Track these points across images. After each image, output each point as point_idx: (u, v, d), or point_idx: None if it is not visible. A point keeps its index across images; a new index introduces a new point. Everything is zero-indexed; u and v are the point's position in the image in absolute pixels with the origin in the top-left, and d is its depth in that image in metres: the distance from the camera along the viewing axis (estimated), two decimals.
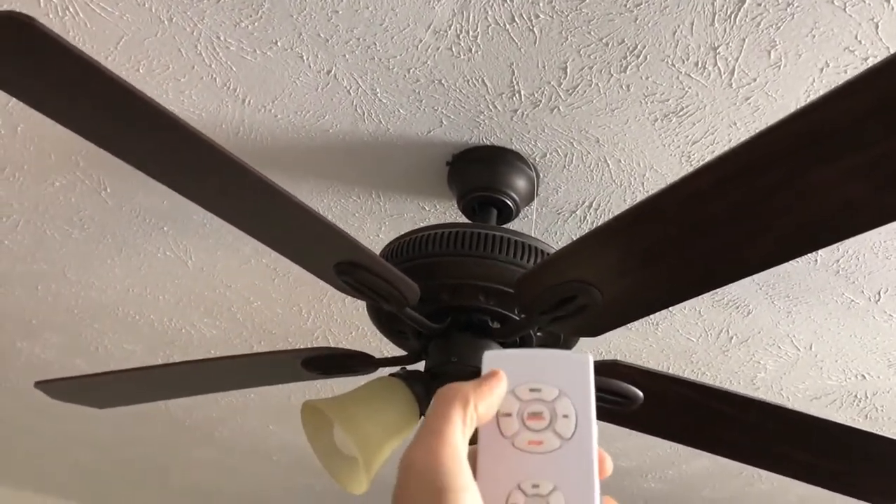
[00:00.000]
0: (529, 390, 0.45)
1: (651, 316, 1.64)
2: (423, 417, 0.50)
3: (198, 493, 2.77)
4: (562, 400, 0.45)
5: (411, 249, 1.18)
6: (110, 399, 1.41)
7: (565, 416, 0.44)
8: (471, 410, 0.44)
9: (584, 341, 1.63)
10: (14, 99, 1.30)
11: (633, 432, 1.32)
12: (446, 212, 1.44)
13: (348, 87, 1.22)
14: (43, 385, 1.36)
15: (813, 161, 0.82)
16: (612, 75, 1.15)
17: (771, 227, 0.88)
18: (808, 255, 1.43)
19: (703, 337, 1.68)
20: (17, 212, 1.56)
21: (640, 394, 1.22)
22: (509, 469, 0.43)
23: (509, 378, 0.46)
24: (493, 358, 0.47)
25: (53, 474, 2.73)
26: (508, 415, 0.45)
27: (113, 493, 2.84)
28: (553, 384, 0.45)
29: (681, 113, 1.21)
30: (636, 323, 1.67)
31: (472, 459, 0.44)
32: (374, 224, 1.49)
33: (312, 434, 1.09)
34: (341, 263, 1.05)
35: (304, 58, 1.18)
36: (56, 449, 2.53)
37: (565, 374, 0.46)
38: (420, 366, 1.24)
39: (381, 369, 1.25)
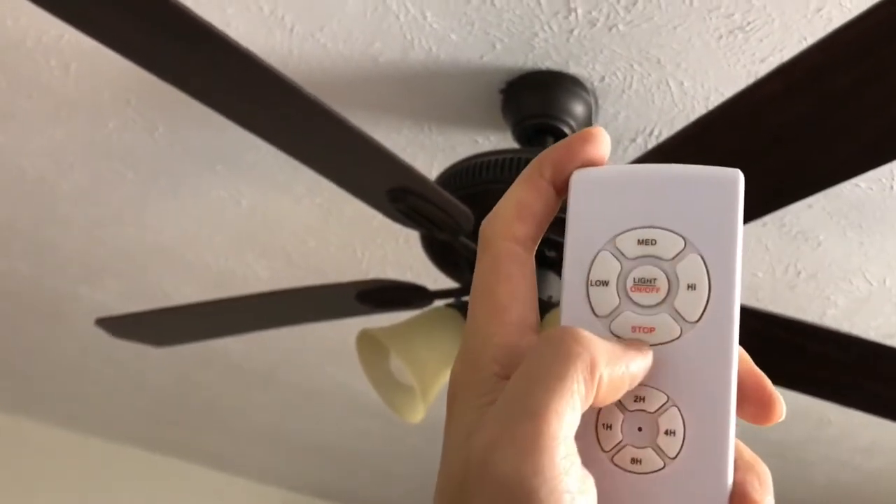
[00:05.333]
0: (638, 242, 0.29)
1: None
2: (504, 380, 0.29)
3: (258, 437, 2.82)
4: (687, 257, 0.29)
5: (465, 177, 1.15)
6: (168, 336, 1.42)
7: (691, 287, 0.29)
8: (596, 381, 0.27)
9: None
10: (66, 36, 1.30)
11: None
12: (500, 143, 1.39)
13: (397, 13, 1.18)
14: (103, 322, 1.38)
15: (893, 59, 0.76)
16: None
17: (849, 133, 0.82)
18: (884, 181, 1.36)
19: (770, 272, 1.62)
20: (73, 154, 1.57)
21: None
22: None
23: (611, 218, 0.29)
24: (586, 182, 0.30)
25: (116, 420, 2.80)
26: (604, 283, 0.29)
27: (174, 438, 2.90)
28: (676, 229, 0.29)
29: (747, 28, 1.14)
30: None
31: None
32: (427, 158, 1.45)
33: (368, 363, 1.08)
34: (394, 190, 1.03)
35: None
36: (118, 395, 2.59)
37: (696, 209, 0.29)
38: None
39: (435, 302, 1.23)
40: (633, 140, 1.36)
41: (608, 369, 0.27)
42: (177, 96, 1.35)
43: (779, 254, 1.57)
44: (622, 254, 0.29)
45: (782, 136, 0.85)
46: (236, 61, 0.87)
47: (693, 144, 0.90)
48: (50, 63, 1.35)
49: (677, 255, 0.29)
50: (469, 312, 0.31)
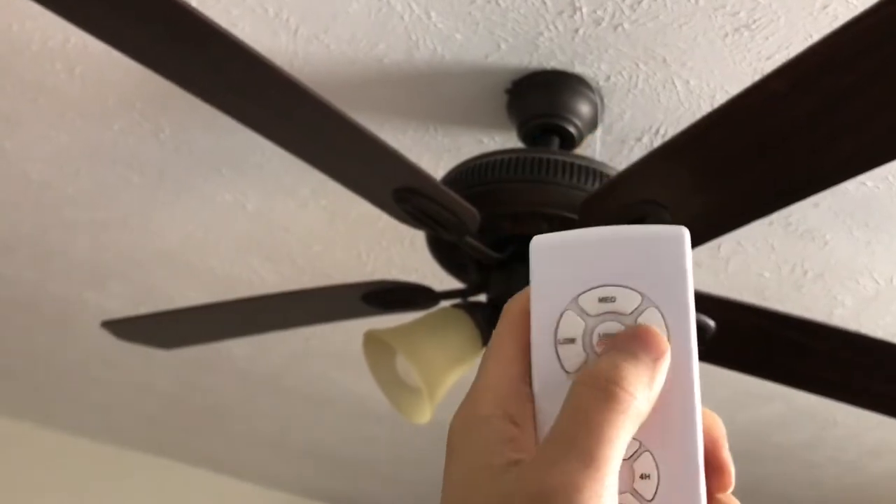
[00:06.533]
0: (599, 300, 0.32)
1: (721, 251, 1.59)
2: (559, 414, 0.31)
3: (264, 441, 2.81)
4: (646, 311, 0.31)
5: (471, 177, 1.15)
6: (174, 339, 1.42)
7: None
8: (642, 418, 0.30)
9: None
10: (72, 40, 1.30)
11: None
12: (506, 143, 1.39)
13: (402, 13, 1.19)
14: (109, 325, 1.38)
15: None
16: None
17: (854, 130, 0.82)
18: (890, 179, 1.35)
19: (777, 272, 1.61)
20: (78, 158, 1.57)
21: (712, 323, 1.17)
22: None
23: (570, 280, 0.32)
24: (545, 247, 0.33)
25: (121, 424, 2.80)
26: (571, 340, 0.32)
27: (180, 442, 2.90)
28: (633, 286, 0.31)
29: (753, 26, 1.14)
30: (705, 259, 1.61)
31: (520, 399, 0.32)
32: (432, 159, 1.45)
33: (374, 364, 1.08)
34: (400, 189, 1.03)
35: None
36: (124, 399, 2.59)
37: (649, 266, 0.31)
38: (481, 298, 1.21)
39: (441, 302, 1.23)
40: (639, 139, 1.35)
41: (648, 401, 0.30)
42: (182, 99, 1.35)
43: (785, 253, 1.56)
44: (585, 312, 0.32)
45: (788, 134, 0.84)
46: (243, 62, 0.87)
47: (698, 143, 0.90)
48: (55, 67, 1.35)
49: (636, 309, 0.31)
50: (480, 363, 0.34)
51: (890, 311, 1.69)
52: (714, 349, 1.21)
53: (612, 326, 0.31)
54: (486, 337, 1.13)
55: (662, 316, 0.31)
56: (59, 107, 1.44)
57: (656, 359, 0.30)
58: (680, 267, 0.31)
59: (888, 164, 1.33)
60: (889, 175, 1.35)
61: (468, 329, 1.09)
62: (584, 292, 0.32)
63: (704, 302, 1.15)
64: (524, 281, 1.05)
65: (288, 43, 1.26)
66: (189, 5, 0.81)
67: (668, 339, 0.31)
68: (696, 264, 1.62)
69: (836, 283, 1.62)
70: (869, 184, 1.37)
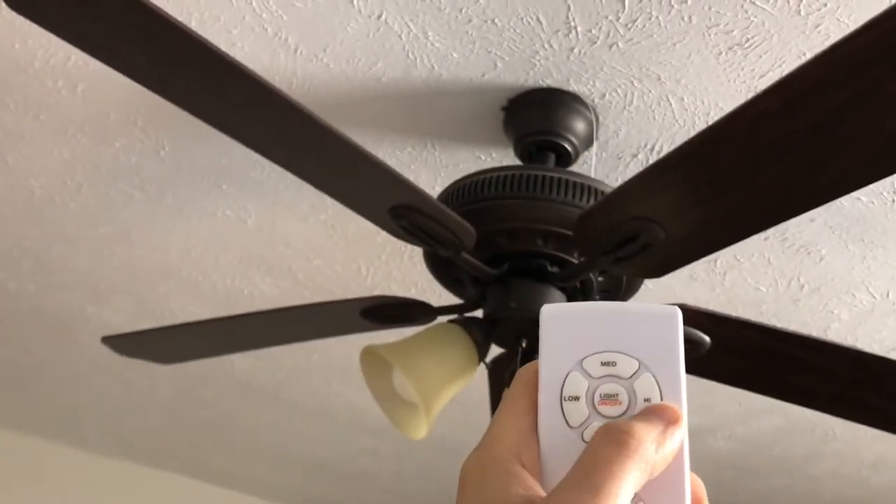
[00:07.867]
0: (601, 364, 0.36)
1: (717, 265, 1.59)
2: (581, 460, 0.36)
3: (266, 454, 2.82)
4: (642, 376, 0.35)
5: (466, 194, 1.16)
6: (175, 354, 1.43)
7: (647, 400, 0.35)
8: (650, 469, 0.34)
9: (645, 292, 1.59)
10: (73, 58, 1.31)
11: (699, 389, 1.28)
12: (503, 160, 1.41)
13: (399, 32, 1.20)
14: (109, 340, 1.39)
15: (891, 74, 0.77)
16: (672, 6, 1.11)
17: (847, 148, 0.83)
18: (885, 194, 1.36)
19: (773, 286, 1.62)
20: (81, 174, 1.58)
21: (707, 339, 1.18)
22: None
23: (576, 345, 0.36)
24: (554, 316, 0.37)
25: (124, 438, 2.81)
26: (576, 398, 0.36)
27: (182, 455, 2.91)
28: (631, 353, 0.36)
29: (746, 45, 1.16)
30: (702, 273, 1.62)
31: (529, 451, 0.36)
32: (430, 175, 1.47)
33: (372, 380, 1.09)
34: (396, 207, 1.04)
35: (354, 2, 1.16)
36: (127, 413, 2.60)
37: (646, 338, 0.36)
38: (477, 314, 1.22)
39: (439, 318, 1.24)
40: (635, 156, 1.37)
41: (658, 453, 0.34)
42: (183, 116, 1.36)
43: (781, 268, 1.57)
44: (588, 374, 0.36)
45: (780, 152, 0.85)
46: (241, 82, 0.88)
47: (692, 160, 0.91)
48: (57, 84, 1.37)
49: (634, 374, 0.36)
50: (495, 415, 0.38)
51: (886, 326, 1.69)
52: (711, 364, 1.21)
53: (613, 388, 0.35)
54: (482, 352, 1.14)
55: (656, 381, 0.35)
56: (61, 123, 1.46)
57: (668, 423, 0.35)
58: (673, 341, 0.36)
59: (882, 180, 1.34)
60: (883, 191, 1.36)
61: (465, 344, 1.10)
62: (588, 356, 0.36)
63: (700, 318, 1.16)
64: (519, 297, 1.05)
65: (287, 62, 1.27)
66: (186, 27, 0.83)
67: (661, 401, 0.35)
68: (692, 278, 1.63)
69: (833, 297, 1.63)
70: (863, 199, 1.38)
